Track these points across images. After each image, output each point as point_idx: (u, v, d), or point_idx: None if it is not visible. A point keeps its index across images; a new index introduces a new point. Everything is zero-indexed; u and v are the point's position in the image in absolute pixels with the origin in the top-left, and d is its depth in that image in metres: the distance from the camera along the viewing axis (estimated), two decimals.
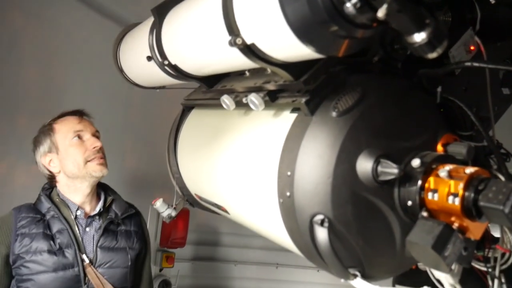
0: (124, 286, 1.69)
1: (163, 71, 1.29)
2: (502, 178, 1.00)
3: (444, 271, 0.81)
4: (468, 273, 0.95)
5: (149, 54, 1.29)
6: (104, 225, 1.66)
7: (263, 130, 1.10)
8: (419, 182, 0.85)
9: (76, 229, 1.63)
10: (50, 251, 1.53)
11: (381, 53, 1.04)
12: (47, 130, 1.69)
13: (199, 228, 3.42)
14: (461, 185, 0.78)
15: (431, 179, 0.84)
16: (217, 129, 1.33)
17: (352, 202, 0.88)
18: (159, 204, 1.65)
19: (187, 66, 1.23)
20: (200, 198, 1.52)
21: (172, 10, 1.23)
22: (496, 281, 1.05)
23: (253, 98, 1.01)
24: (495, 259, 1.08)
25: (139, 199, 2.10)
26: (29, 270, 1.52)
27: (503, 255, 1.08)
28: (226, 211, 1.34)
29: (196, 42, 1.07)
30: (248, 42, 0.84)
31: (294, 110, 1.01)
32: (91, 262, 1.60)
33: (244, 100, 1.05)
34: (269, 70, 1.07)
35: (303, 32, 0.70)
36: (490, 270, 1.07)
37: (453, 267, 0.82)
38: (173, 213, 1.65)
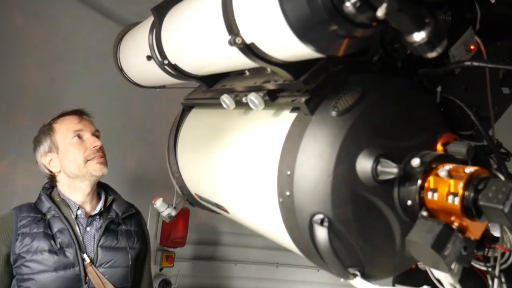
0: (124, 285, 1.70)
1: (163, 70, 1.29)
2: (502, 178, 1.00)
3: (443, 271, 0.81)
4: (468, 273, 0.95)
5: (149, 54, 1.29)
6: (105, 224, 1.67)
7: (263, 129, 1.10)
8: (419, 182, 0.85)
9: (77, 228, 1.63)
10: (51, 251, 1.54)
11: (381, 52, 1.04)
12: (47, 130, 1.69)
13: (199, 227, 3.42)
14: (461, 185, 0.78)
15: (431, 178, 0.84)
16: (217, 129, 1.33)
17: (352, 202, 0.87)
18: (159, 203, 1.65)
19: (187, 65, 1.23)
20: (200, 197, 1.52)
21: (172, 9, 1.23)
22: (496, 281, 1.05)
23: (253, 98, 1.01)
24: (495, 258, 1.08)
25: (139, 198, 2.10)
26: (29, 270, 1.53)
27: (503, 254, 1.08)
28: (226, 211, 1.34)
29: (196, 41, 1.07)
30: (248, 41, 0.84)
31: (294, 109, 1.01)
32: (91, 261, 1.61)
33: (244, 99, 1.05)
34: (268, 70, 1.07)
35: (302, 31, 0.70)
36: (490, 269, 1.07)
37: (452, 266, 0.82)
38: (173, 213, 1.65)
